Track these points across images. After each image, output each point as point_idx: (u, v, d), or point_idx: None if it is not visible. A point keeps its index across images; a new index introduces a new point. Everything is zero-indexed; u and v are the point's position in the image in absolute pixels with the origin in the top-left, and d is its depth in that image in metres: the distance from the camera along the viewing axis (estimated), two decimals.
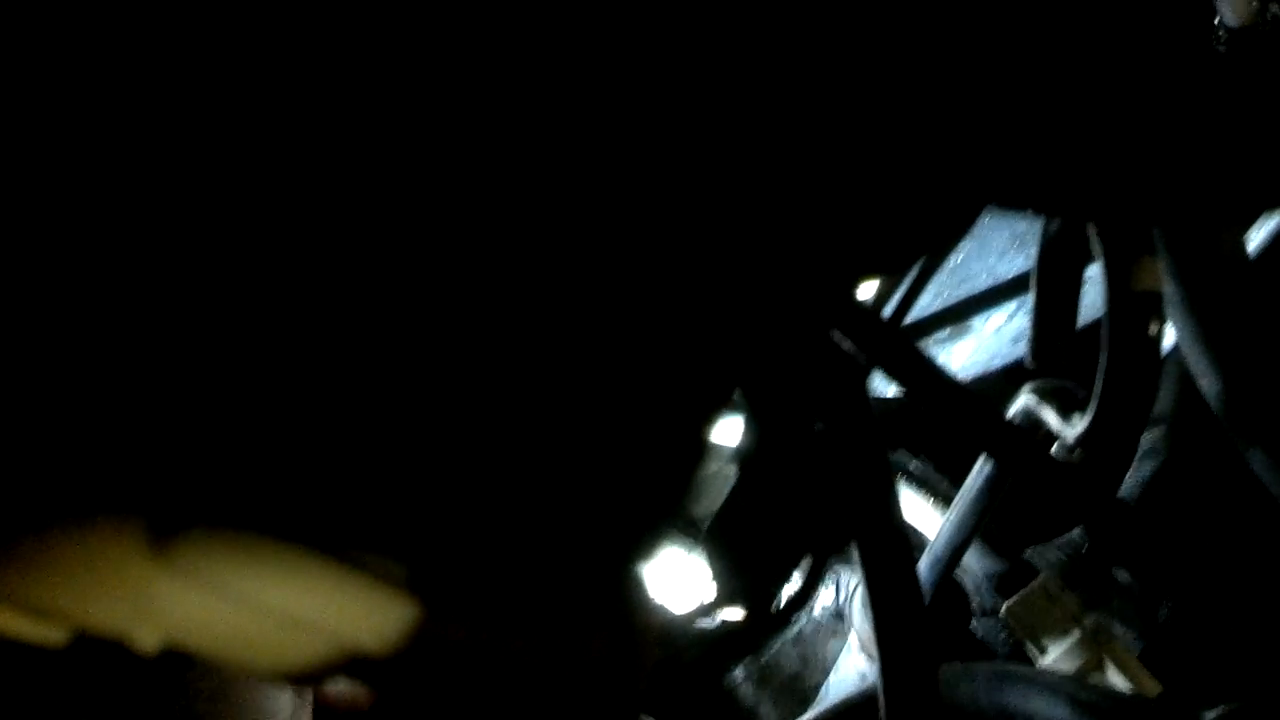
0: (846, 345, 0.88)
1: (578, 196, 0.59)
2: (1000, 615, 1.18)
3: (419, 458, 0.61)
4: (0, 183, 0.51)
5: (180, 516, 0.58)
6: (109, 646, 0.60)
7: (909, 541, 0.98)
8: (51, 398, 0.55)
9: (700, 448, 0.70)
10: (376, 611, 0.64)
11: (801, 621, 1.37)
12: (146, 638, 0.60)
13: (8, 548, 0.57)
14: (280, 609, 0.62)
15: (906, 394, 0.96)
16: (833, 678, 1.35)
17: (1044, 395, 0.92)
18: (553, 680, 0.73)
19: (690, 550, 1.12)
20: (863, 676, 1.31)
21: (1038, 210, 0.87)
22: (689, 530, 0.98)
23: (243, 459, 0.58)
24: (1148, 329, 0.86)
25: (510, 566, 0.66)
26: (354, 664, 0.65)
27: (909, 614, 0.97)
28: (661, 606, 1.06)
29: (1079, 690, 1.04)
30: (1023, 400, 0.94)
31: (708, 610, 1.07)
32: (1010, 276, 1.16)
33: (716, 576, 1.03)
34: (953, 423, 0.97)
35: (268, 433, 0.59)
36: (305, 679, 0.65)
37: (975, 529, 1.03)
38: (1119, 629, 1.24)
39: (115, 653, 0.61)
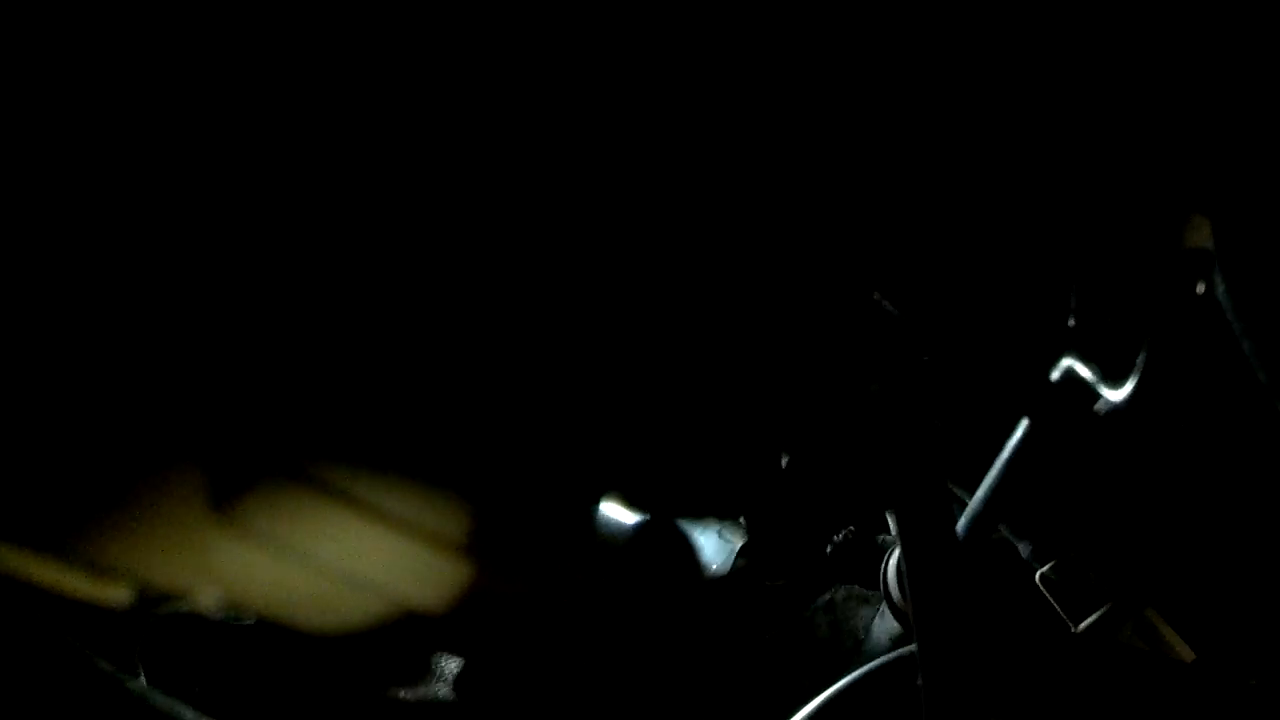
0: (888, 305, 0.87)
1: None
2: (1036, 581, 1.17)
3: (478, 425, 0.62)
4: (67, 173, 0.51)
5: (242, 476, 0.58)
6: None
7: (949, 504, 0.98)
8: (114, 363, 0.55)
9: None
10: (430, 570, 0.65)
11: (833, 588, 1.37)
12: (208, 596, 0.60)
13: (72, 509, 0.57)
14: (338, 568, 0.62)
15: (948, 356, 0.95)
16: (865, 644, 1.35)
17: (1089, 359, 0.92)
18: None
19: (725, 521, 1.12)
20: (895, 642, 1.31)
21: None
22: (726, 500, 0.98)
23: (304, 418, 0.58)
24: (1196, 288, 0.86)
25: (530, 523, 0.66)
26: (407, 620, 0.66)
27: (946, 576, 0.97)
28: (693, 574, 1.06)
29: None
30: (1066, 362, 0.94)
31: (746, 577, 1.07)
32: None
33: (757, 544, 1.03)
34: (994, 383, 0.96)
35: (326, 393, 0.59)
36: (360, 636, 0.65)
37: (1016, 490, 1.03)
38: (1150, 594, 1.23)
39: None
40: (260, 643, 0.65)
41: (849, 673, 1.33)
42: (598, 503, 0.72)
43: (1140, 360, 0.90)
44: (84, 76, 0.51)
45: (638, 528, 0.86)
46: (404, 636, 0.65)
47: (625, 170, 0.62)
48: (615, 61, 0.60)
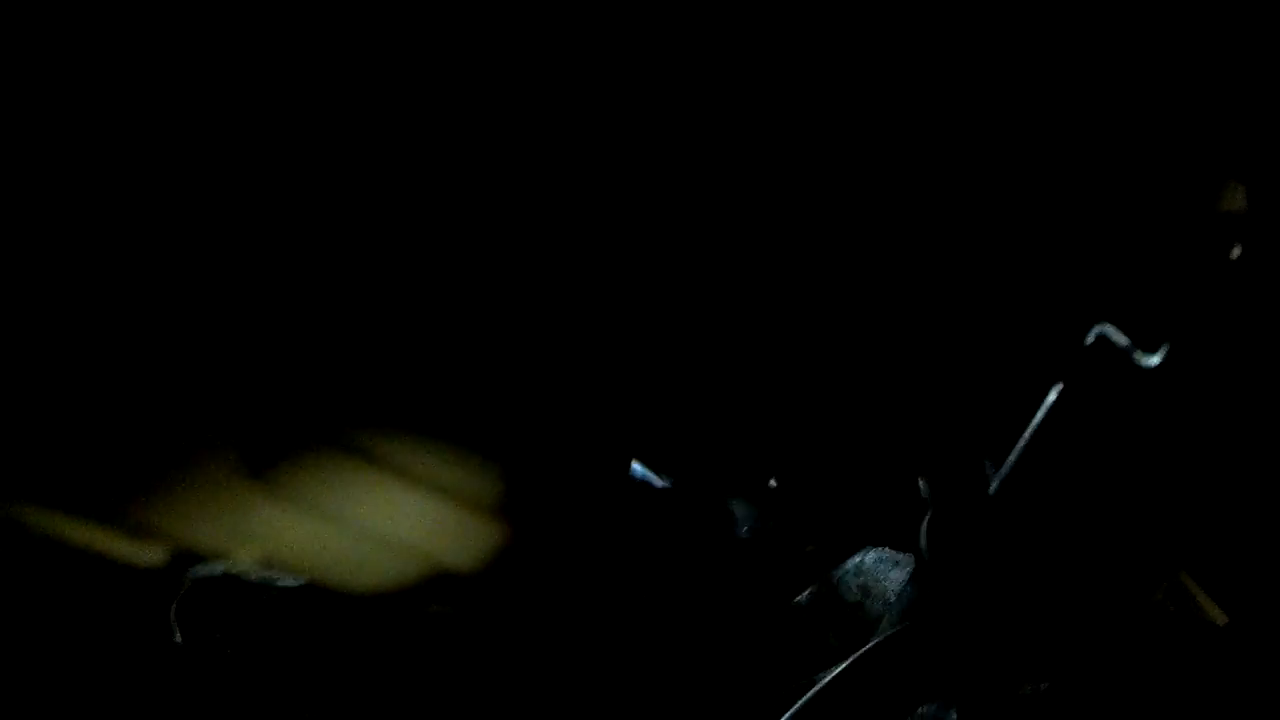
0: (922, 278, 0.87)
1: None
2: None
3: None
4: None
5: (279, 440, 0.59)
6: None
7: (983, 467, 0.98)
8: (154, 331, 0.55)
9: None
10: (463, 531, 0.65)
11: (863, 551, 1.37)
12: (246, 557, 0.61)
13: (112, 473, 0.58)
14: (375, 530, 0.63)
15: (974, 320, 0.95)
16: (896, 608, 1.35)
17: (1123, 325, 0.92)
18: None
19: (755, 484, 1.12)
20: (924, 603, 1.31)
21: None
22: (757, 464, 0.99)
23: (340, 383, 0.59)
24: (1230, 253, 0.85)
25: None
26: (442, 583, 0.67)
27: (979, 538, 0.97)
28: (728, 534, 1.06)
29: None
30: (1099, 327, 0.93)
31: (776, 540, 1.08)
32: None
33: (787, 507, 1.03)
34: (1023, 348, 0.96)
35: (361, 359, 0.59)
36: (396, 598, 0.66)
37: (1049, 453, 1.03)
38: (1180, 558, 1.23)
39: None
40: (295, 605, 0.66)
41: (879, 635, 1.33)
42: (629, 464, 0.73)
43: (1174, 325, 0.89)
44: (93, 78, 0.52)
45: (668, 490, 0.87)
46: (436, 597, 0.65)
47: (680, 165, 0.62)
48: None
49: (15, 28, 0.50)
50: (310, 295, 0.57)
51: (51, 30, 0.51)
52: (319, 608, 0.66)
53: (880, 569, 1.45)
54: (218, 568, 0.60)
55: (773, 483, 1.03)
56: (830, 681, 1.12)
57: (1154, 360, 0.91)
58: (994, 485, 1.08)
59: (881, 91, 0.75)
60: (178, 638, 0.69)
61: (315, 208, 0.55)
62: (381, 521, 0.63)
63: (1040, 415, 1.02)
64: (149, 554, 0.59)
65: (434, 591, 0.65)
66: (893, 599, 1.45)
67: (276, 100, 0.54)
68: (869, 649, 1.12)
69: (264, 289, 0.56)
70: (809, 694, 1.11)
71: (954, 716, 1.40)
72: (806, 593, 1.37)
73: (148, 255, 0.53)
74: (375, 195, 0.56)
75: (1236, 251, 0.84)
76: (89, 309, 0.54)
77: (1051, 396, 1.00)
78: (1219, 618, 1.19)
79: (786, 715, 1.10)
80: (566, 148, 0.61)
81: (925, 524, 1.17)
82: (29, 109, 0.51)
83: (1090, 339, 0.93)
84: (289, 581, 0.64)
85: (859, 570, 1.43)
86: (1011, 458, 1.08)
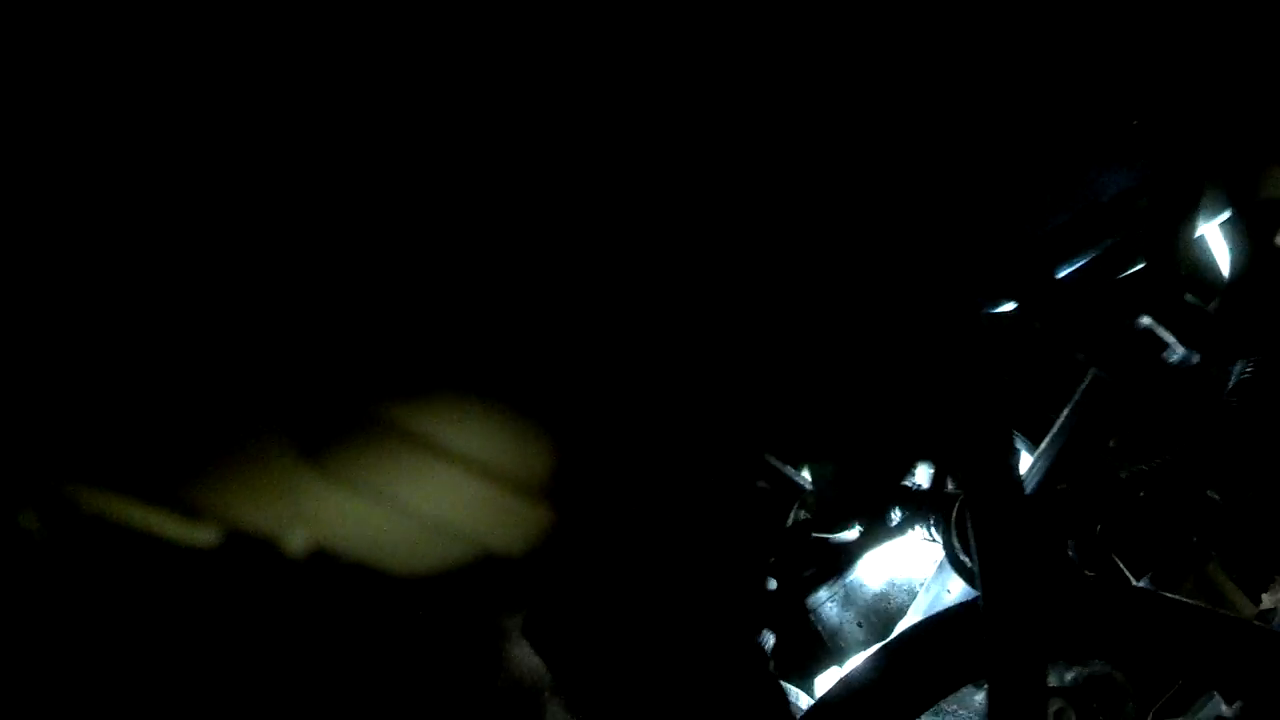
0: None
1: None
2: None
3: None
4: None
5: (333, 425, 0.58)
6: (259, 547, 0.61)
7: (1015, 456, 0.97)
8: (207, 316, 0.55)
9: None
10: (513, 517, 0.65)
11: (890, 541, 1.37)
12: (296, 540, 0.61)
13: (161, 450, 0.58)
14: (424, 513, 0.63)
15: (1020, 308, 0.95)
16: (921, 597, 1.35)
17: (1162, 313, 0.91)
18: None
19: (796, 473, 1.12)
20: (951, 594, 1.31)
21: None
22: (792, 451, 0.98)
23: (391, 366, 0.59)
24: (1274, 238, 0.84)
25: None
26: (489, 567, 0.66)
27: (1010, 528, 0.97)
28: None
29: None
30: (1139, 319, 0.93)
31: (819, 529, 1.07)
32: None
33: (830, 496, 1.03)
34: (1065, 335, 0.96)
35: (411, 342, 0.59)
36: (442, 578, 0.66)
37: (1083, 442, 1.03)
38: (1212, 550, 1.23)
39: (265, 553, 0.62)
40: (343, 588, 0.65)
41: (908, 624, 1.33)
42: (674, 451, 0.72)
43: (1215, 314, 0.89)
44: (101, 79, 0.52)
45: (710, 478, 0.86)
46: (484, 580, 0.65)
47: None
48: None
49: (15, 28, 0.50)
50: (363, 280, 0.57)
51: (56, 31, 0.51)
52: (368, 589, 0.65)
53: (903, 560, 1.45)
54: (270, 549, 0.60)
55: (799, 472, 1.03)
56: (861, 669, 1.12)
57: (1194, 350, 0.91)
58: (1027, 477, 1.08)
59: (906, 88, 0.74)
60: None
61: (363, 199, 0.55)
62: (431, 504, 0.62)
63: (1074, 403, 1.02)
64: (202, 535, 0.59)
65: (482, 575, 0.65)
66: (916, 588, 1.45)
67: (341, 95, 0.54)
68: (901, 634, 1.12)
69: (317, 275, 0.56)
70: (839, 682, 1.11)
71: (982, 700, 1.40)
72: (829, 584, 1.37)
73: (201, 244, 0.53)
74: (421, 185, 0.55)
75: (1279, 239, 0.84)
76: (146, 296, 0.54)
77: (1085, 384, 1.00)
78: (1247, 609, 1.19)
79: (816, 701, 1.10)
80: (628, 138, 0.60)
81: (954, 514, 1.17)
82: (77, 109, 0.51)
83: (1130, 328, 0.93)
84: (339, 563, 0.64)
85: (885, 560, 1.43)
86: (1046, 445, 1.07)
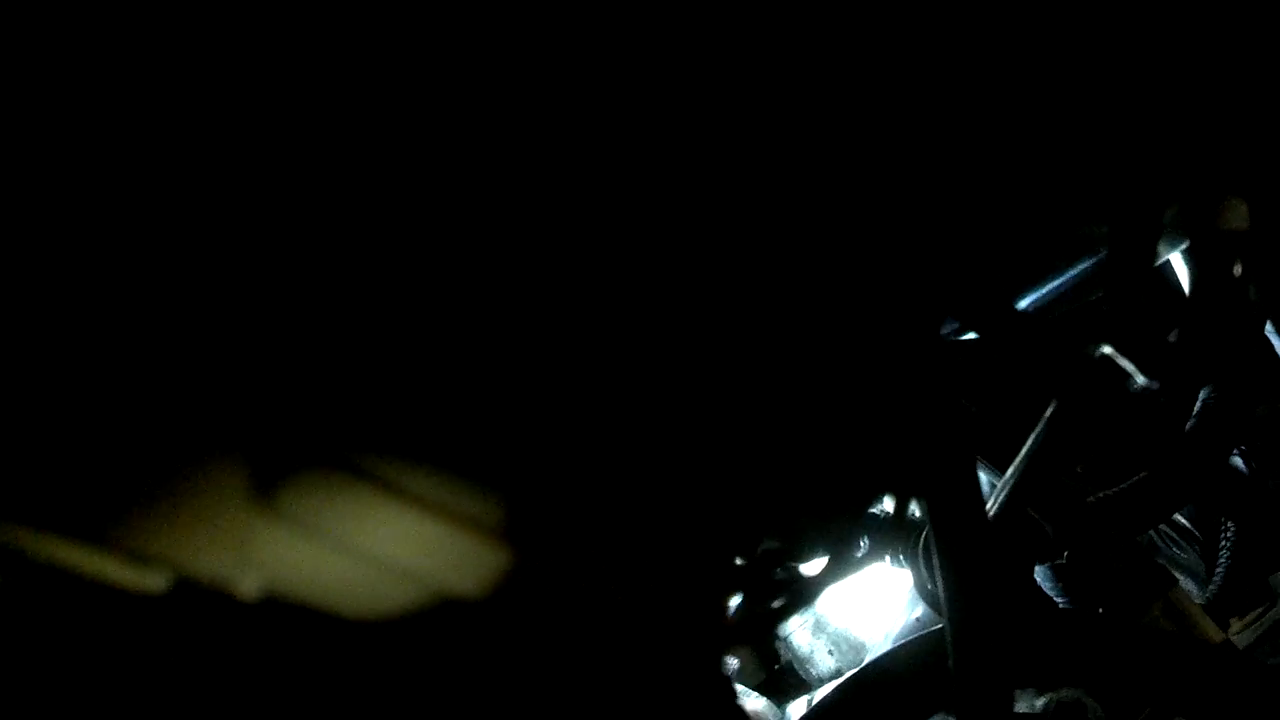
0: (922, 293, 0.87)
1: None
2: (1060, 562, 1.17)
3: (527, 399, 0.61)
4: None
5: (283, 465, 0.58)
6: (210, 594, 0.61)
7: (978, 486, 0.97)
8: (154, 351, 0.55)
9: None
10: (469, 557, 0.64)
11: (856, 572, 1.37)
12: (248, 584, 0.60)
13: (110, 495, 0.57)
14: (378, 555, 0.62)
15: (979, 336, 0.95)
16: (891, 624, 1.35)
17: (1122, 342, 0.91)
18: (642, 633, 0.73)
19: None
20: (920, 623, 1.31)
21: None
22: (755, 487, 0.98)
23: (344, 406, 0.58)
24: (1232, 270, 0.85)
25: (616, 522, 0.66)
26: (446, 608, 0.66)
27: (976, 556, 0.97)
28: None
29: None
30: (1098, 344, 0.93)
31: (787, 558, 1.07)
32: None
33: (800, 532, 1.03)
34: (1026, 364, 0.96)
35: (365, 381, 0.58)
36: (400, 623, 0.65)
37: (1046, 470, 1.03)
38: (1181, 577, 1.23)
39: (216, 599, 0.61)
40: (295, 631, 0.65)
41: (879, 653, 1.33)
42: (634, 491, 0.72)
43: (1175, 343, 0.89)
44: (96, 78, 0.51)
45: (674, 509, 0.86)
46: (442, 623, 0.65)
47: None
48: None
49: (15, 28, 0.50)
50: (312, 315, 0.56)
51: (52, 30, 0.51)
52: (321, 633, 0.65)
53: (875, 587, 1.45)
54: (220, 594, 0.59)
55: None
56: (831, 697, 1.12)
57: (1154, 378, 0.91)
58: (991, 504, 1.08)
59: (904, 93, 0.74)
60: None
61: (318, 227, 0.55)
62: (385, 545, 0.62)
63: (1037, 432, 1.02)
64: (150, 580, 0.58)
65: (438, 616, 0.64)
66: (886, 616, 1.45)
67: (277, 110, 0.54)
68: (870, 664, 1.12)
69: (265, 308, 0.55)
70: (811, 709, 1.11)
71: None
72: (803, 610, 1.37)
73: (147, 270, 0.52)
74: (380, 216, 0.55)
75: (1238, 269, 0.84)
76: (85, 324, 0.53)
77: (1048, 413, 1.00)
78: (1214, 634, 1.19)
79: None
80: (565, 167, 0.60)
81: (920, 542, 1.17)
82: (32, 110, 0.51)
83: (1088, 356, 0.93)
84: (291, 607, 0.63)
85: (855, 587, 1.43)
86: (1010, 474, 1.07)
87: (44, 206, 0.51)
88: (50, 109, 0.50)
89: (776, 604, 1.06)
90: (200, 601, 0.62)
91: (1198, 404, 0.97)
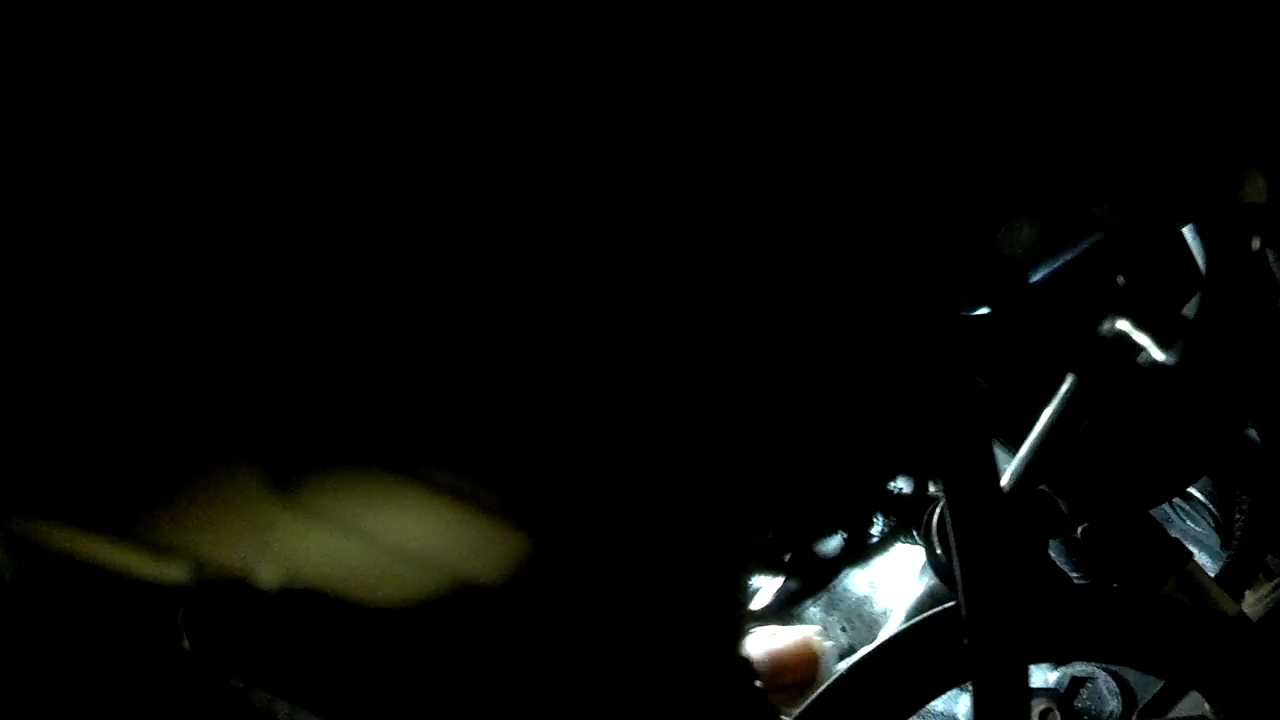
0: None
1: None
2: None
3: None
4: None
5: (303, 455, 0.57)
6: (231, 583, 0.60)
7: (994, 462, 0.97)
8: (172, 343, 0.54)
9: None
10: (489, 545, 0.64)
11: (871, 546, 1.37)
12: (269, 574, 0.60)
13: (130, 489, 0.57)
14: (397, 543, 0.62)
15: (992, 310, 0.94)
16: (904, 600, 1.35)
17: (1138, 317, 0.91)
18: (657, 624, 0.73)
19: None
20: (933, 597, 1.31)
21: None
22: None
23: (362, 395, 0.58)
24: (1250, 244, 0.84)
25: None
26: (466, 594, 0.66)
27: (991, 531, 0.96)
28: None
29: None
30: (1115, 322, 0.93)
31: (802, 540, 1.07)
32: None
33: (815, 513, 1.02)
34: (1040, 339, 0.95)
35: (382, 369, 0.58)
36: (416, 610, 0.65)
37: (1062, 445, 1.02)
38: (1195, 550, 1.23)
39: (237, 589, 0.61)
40: (315, 620, 0.65)
41: (891, 628, 1.33)
42: (648, 475, 0.72)
43: (1193, 316, 0.89)
44: (90, 77, 0.51)
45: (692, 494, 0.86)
46: (459, 611, 0.64)
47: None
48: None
49: (15, 28, 0.49)
50: (330, 305, 0.56)
51: (51, 30, 0.50)
52: (340, 622, 0.65)
53: (886, 563, 1.44)
54: (240, 584, 0.58)
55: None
56: (844, 674, 1.12)
57: (1172, 353, 0.91)
58: (1006, 478, 1.07)
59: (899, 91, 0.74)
60: (186, 646, 0.68)
61: (340, 226, 0.54)
62: (403, 534, 0.61)
63: (1053, 406, 1.02)
64: (169, 572, 0.58)
65: (457, 605, 0.64)
66: (899, 591, 1.45)
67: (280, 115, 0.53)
68: (884, 641, 1.12)
69: (284, 300, 0.55)
70: (825, 684, 1.11)
71: (967, 709, 1.40)
72: (815, 588, 1.37)
73: (168, 265, 0.52)
74: (401, 212, 0.55)
75: (1257, 243, 0.84)
76: (107, 318, 0.53)
77: (1064, 388, 1.00)
78: (1230, 608, 1.19)
79: (804, 705, 1.10)
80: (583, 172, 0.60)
81: (935, 518, 1.17)
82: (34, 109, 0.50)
83: (1104, 330, 0.93)
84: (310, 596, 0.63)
85: (866, 565, 1.43)
86: (1025, 449, 1.07)
87: (73, 202, 0.50)
88: (56, 110, 0.50)
89: (793, 586, 1.06)
90: (221, 592, 0.62)
91: (1213, 379, 0.97)
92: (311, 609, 0.68)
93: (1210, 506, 1.31)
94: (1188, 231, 1.01)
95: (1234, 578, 1.31)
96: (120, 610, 0.68)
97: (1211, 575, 1.23)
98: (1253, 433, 1.23)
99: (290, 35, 0.53)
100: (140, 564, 0.58)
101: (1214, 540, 1.37)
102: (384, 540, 0.61)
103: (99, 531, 0.57)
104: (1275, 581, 1.24)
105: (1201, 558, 1.28)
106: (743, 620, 1.07)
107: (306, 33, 0.53)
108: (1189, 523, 1.34)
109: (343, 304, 0.56)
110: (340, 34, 0.54)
